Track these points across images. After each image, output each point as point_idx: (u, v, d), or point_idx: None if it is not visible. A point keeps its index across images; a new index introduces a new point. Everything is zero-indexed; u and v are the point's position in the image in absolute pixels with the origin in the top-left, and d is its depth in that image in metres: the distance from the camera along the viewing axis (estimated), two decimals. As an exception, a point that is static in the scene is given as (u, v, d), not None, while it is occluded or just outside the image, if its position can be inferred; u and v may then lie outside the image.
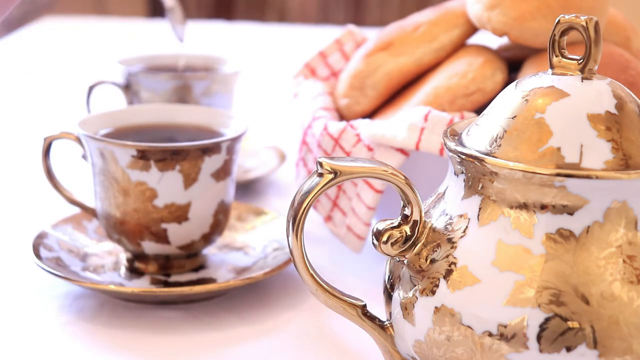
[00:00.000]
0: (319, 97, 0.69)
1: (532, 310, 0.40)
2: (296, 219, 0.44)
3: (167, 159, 0.60)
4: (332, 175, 0.43)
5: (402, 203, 0.45)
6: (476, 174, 0.43)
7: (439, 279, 0.43)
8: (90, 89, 0.83)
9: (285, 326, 0.59)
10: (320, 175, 0.43)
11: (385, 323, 0.47)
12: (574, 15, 0.44)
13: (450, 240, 0.43)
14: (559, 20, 0.44)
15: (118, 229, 0.62)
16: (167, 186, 0.60)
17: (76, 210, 0.70)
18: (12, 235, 0.72)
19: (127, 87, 0.84)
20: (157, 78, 0.82)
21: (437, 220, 0.45)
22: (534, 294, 0.40)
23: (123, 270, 0.64)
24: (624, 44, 0.68)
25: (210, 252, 0.67)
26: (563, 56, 0.44)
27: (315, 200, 0.54)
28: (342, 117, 0.69)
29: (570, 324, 0.40)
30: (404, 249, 0.45)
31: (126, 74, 0.83)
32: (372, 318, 0.47)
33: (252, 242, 0.67)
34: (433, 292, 0.43)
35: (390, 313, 0.46)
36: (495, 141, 0.43)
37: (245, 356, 0.55)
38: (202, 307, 0.61)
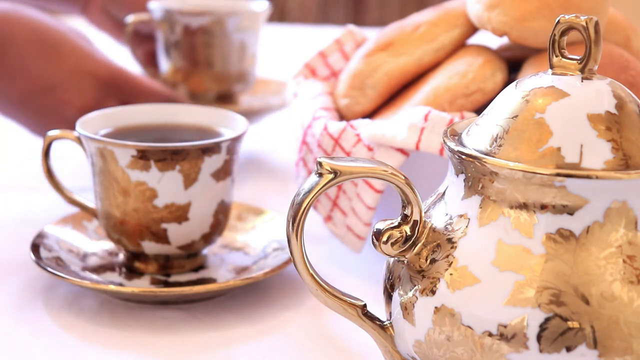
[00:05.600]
0: (319, 97, 0.69)
1: (532, 310, 0.40)
2: (296, 219, 0.44)
3: (167, 159, 0.60)
4: (332, 175, 0.43)
5: (402, 203, 0.45)
6: (476, 174, 0.43)
7: (439, 279, 0.43)
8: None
9: (285, 326, 0.59)
10: (320, 175, 0.43)
11: (385, 323, 0.47)
12: (574, 15, 0.44)
13: (450, 240, 0.43)
14: (559, 20, 0.44)
15: (118, 229, 0.62)
16: (167, 186, 0.60)
17: (76, 210, 0.70)
18: (12, 235, 0.72)
19: (164, 22, 0.91)
20: (192, 14, 0.90)
21: (437, 220, 0.45)
22: (534, 294, 0.40)
23: (123, 270, 0.64)
24: (624, 44, 0.68)
25: (210, 252, 0.67)
26: (563, 56, 0.44)
27: (315, 200, 0.54)
28: (342, 117, 0.69)
29: (570, 324, 0.40)
30: (404, 249, 0.45)
31: (163, 11, 0.91)
32: (372, 318, 0.47)
33: (252, 242, 0.67)
34: (433, 292, 0.43)
35: (390, 313, 0.46)
36: (495, 141, 0.43)
37: (245, 356, 0.55)
38: (202, 307, 0.61)
